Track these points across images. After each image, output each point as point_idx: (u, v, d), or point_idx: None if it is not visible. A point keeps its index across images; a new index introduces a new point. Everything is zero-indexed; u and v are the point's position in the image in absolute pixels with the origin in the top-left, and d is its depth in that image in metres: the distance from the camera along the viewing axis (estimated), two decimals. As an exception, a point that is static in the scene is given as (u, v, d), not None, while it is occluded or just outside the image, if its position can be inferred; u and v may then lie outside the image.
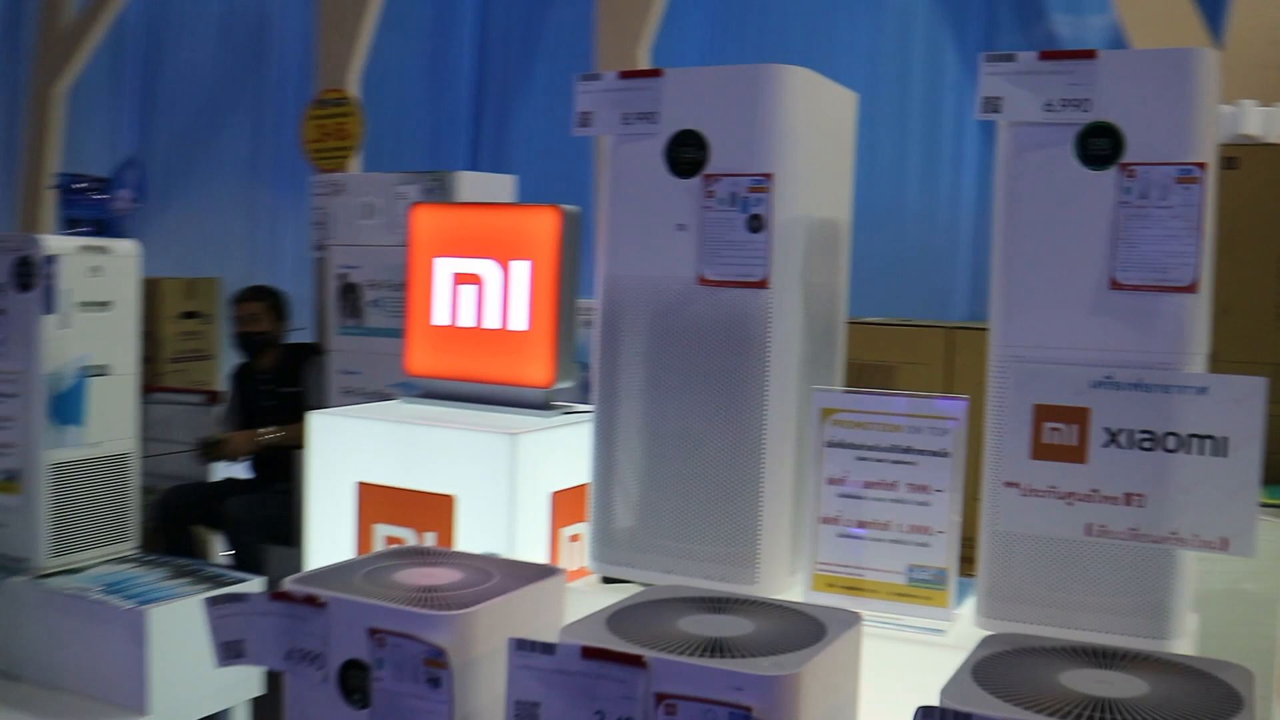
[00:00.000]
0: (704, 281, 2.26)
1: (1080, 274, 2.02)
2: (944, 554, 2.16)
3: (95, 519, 3.11)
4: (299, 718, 1.75)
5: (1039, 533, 2.05)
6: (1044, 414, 2.04)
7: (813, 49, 4.27)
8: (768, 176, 2.20)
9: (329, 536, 2.58)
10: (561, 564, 2.52)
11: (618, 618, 1.66)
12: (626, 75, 2.33)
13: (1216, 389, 1.94)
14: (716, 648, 1.54)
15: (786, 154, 2.22)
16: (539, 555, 2.46)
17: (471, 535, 2.40)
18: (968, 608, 2.17)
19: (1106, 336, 2.02)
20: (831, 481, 2.23)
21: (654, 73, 2.30)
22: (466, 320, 2.70)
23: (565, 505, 2.51)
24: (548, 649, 1.54)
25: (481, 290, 2.69)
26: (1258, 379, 1.91)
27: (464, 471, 2.41)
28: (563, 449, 2.52)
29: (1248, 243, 3.24)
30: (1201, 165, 1.95)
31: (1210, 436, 1.94)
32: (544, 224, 2.64)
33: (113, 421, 3.13)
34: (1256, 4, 3.42)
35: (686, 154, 2.27)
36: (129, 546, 3.20)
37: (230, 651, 1.77)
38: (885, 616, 2.16)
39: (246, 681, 3.08)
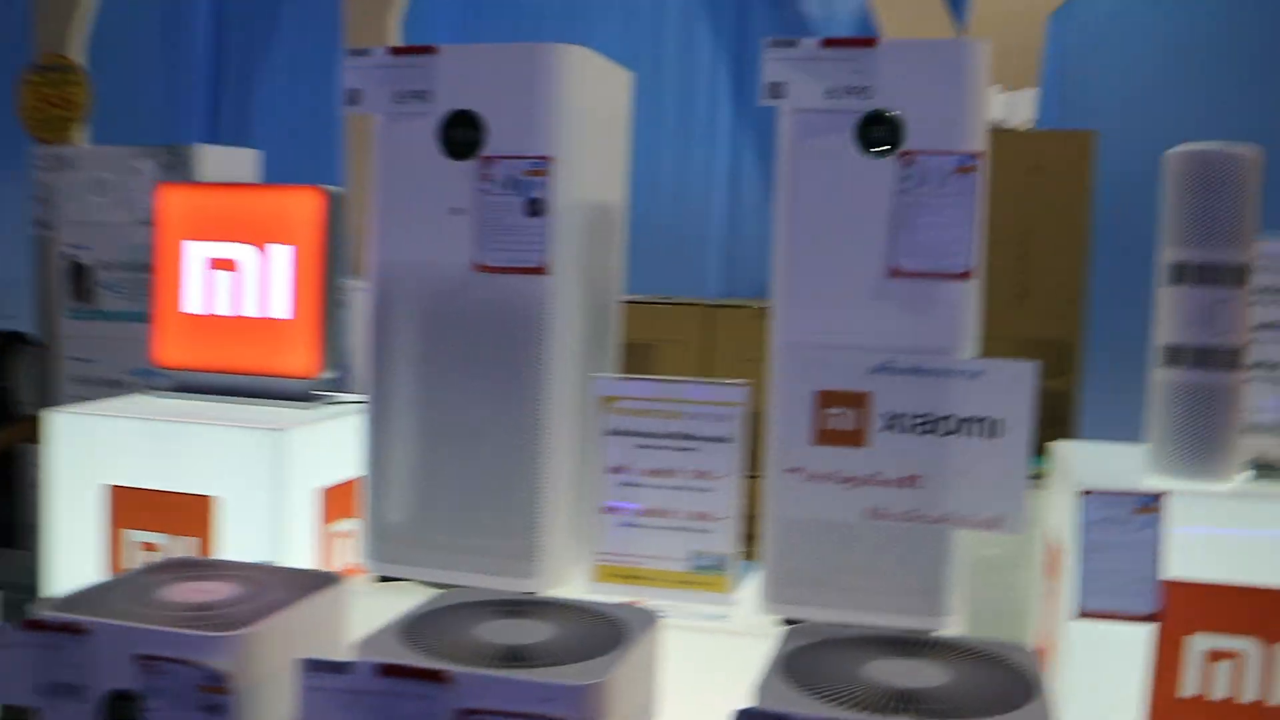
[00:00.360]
0: (480, 268, 2.18)
1: (861, 261, 2.05)
2: (726, 540, 2.16)
3: None
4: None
5: (821, 517, 2.07)
6: (825, 399, 2.06)
7: (568, 26, 4.21)
8: (547, 159, 2.14)
9: (71, 544, 2.38)
10: (332, 563, 2.41)
11: (411, 629, 1.58)
12: (398, 51, 2.22)
13: (990, 373, 1.99)
14: (518, 656, 1.48)
15: (566, 136, 2.16)
16: (306, 555, 2.33)
17: (234, 538, 2.26)
18: (749, 592, 2.18)
19: (886, 322, 2.05)
20: (612, 470, 2.20)
21: (427, 49, 2.20)
22: (222, 308, 2.54)
23: (334, 502, 2.40)
24: (341, 668, 1.45)
25: (238, 276, 2.53)
26: (1028, 363, 1.98)
27: (225, 471, 2.26)
28: (330, 443, 2.40)
29: (989, 224, 3.38)
30: (977, 155, 1.99)
31: (984, 419, 2.00)
32: (306, 206, 2.50)
33: None
34: (992, -2, 3.56)
35: (461, 135, 2.18)
36: None
37: (-26, 687, 1.60)
38: (669, 604, 2.15)
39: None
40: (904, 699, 1.40)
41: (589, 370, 2.30)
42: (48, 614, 1.58)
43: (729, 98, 3.96)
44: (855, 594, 2.10)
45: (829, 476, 2.06)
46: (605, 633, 1.58)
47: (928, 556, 2.07)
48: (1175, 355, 2.06)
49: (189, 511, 2.27)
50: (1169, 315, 2.06)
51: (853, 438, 2.06)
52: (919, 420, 2.03)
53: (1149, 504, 1.96)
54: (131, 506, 2.31)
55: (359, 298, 2.33)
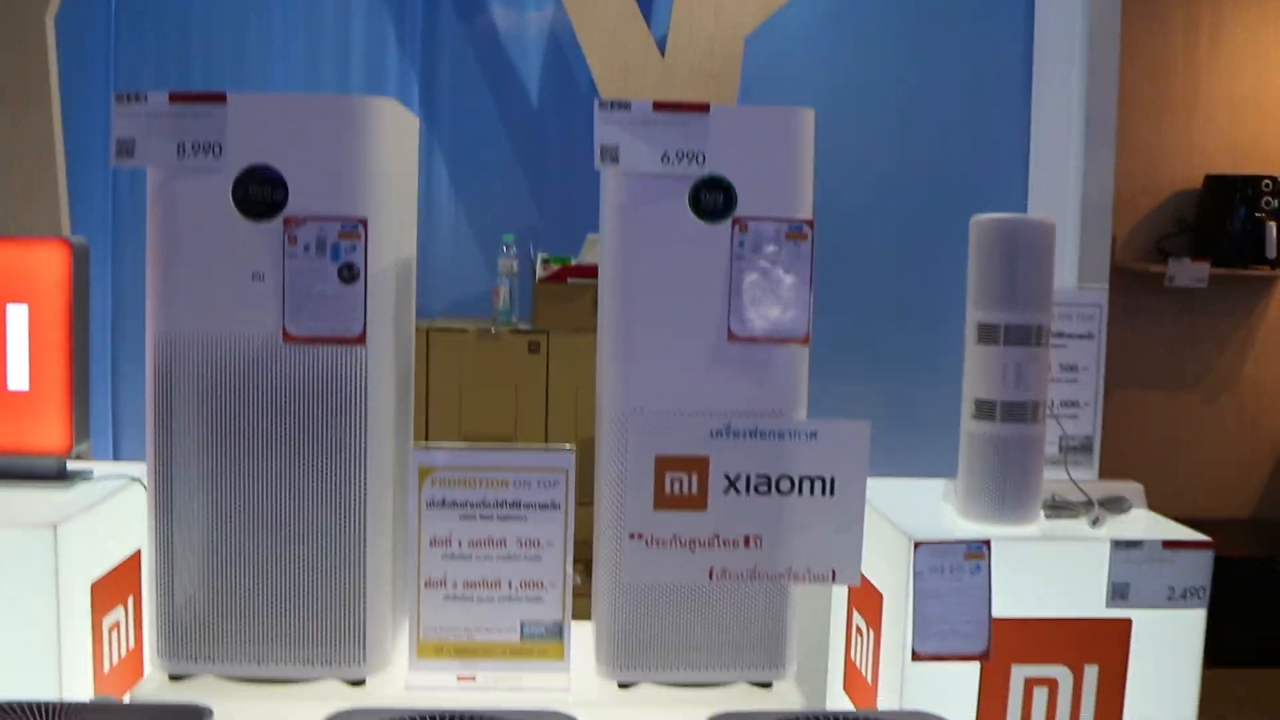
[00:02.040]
0: (290, 339, 2.00)
1: (698, 327, 2.03)
2: (557, 607, 2.11)
3: None
4: None
5: (664, 581, 2.06)
6: (665, 465, 2.04)
7: (245, 38, 3.90)
8: (362, 222, 1.99)
9: None
10: (105, 658, 2.17)
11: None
12: (180, 99, 1.99)
13: (825, 434, 2.03)
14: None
15: (378, 195, 2.02)
16: (82, 655, 2.08)
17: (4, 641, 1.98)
18: (580, 657, 2.14)
19: (724, 387, 2.05)
20: (434, 543, 2.09)
21: (215, 97, 1.98)
22: (-53, 380, 2.21)
23: (104, 593, 2.15)
24: None
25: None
26: (862, 423, 2.03)
27: (-9, 575, 1.97)
28: (102, 529, 2.15)
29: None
30: (809, 223, 2.02)
31: (820, 478, 2.04)
32: (48, 261, 2.21)
33: None
34: (690, 14, 3.58)
35: (260, 193, 1.99)
36: None
37: None
38: (503, 676, 2.08)
39: None
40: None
41: (402, 437, 2.17)
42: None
43: (420, 113, 3.81)
44: (695, 653, 2.10)
45: (671, 541, 2.05)
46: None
47: (768, 611, 2.10)
48: (983, 409, 2.18)
49: (-57, 625, 1.97)
50: (978, 371, 2.17)
51: (693, 502, 2.05)
52: (758, 481, 2.04)
53: (977, 550, 2.07)
54: None
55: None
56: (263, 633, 2.04)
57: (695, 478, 2.04)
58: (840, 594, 2.53)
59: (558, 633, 2.10)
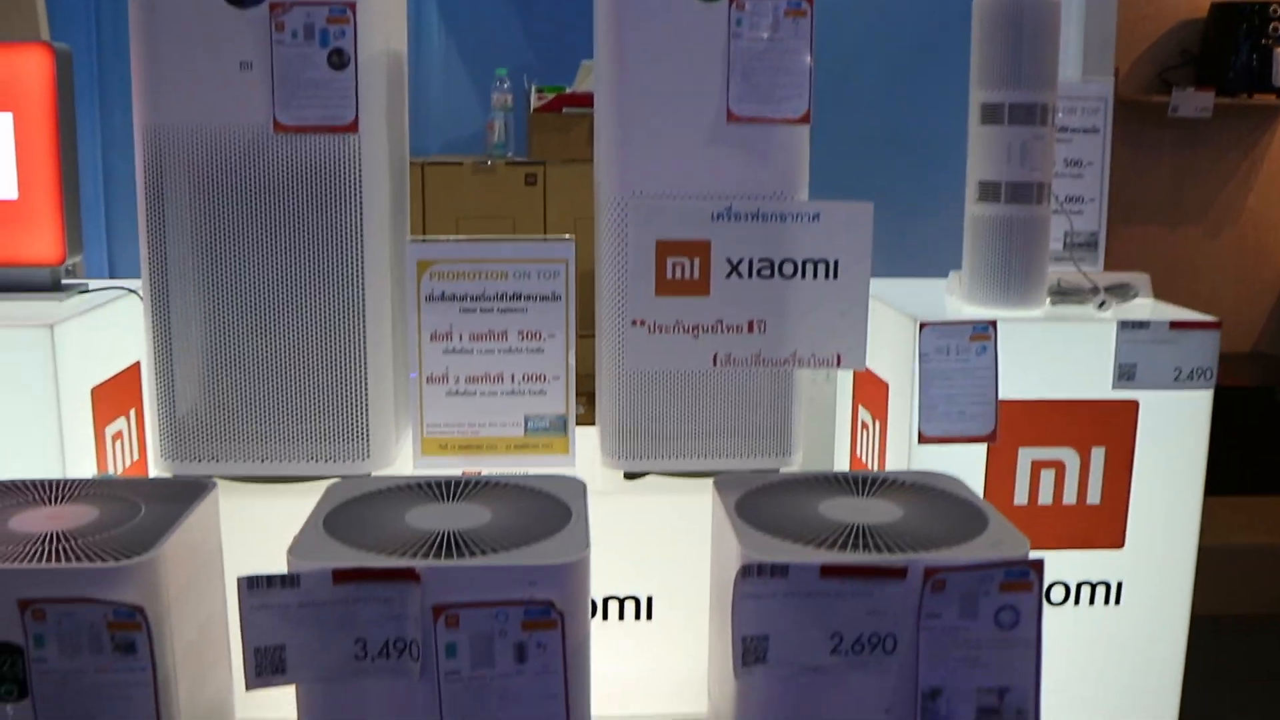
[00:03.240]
0: (280, 128, 1.96)
1: (697, 108, 1.99)
2: (561, 400, 2.10)
3: None
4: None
5: (668, 368, 2.05)
6: (666, 250, 2.01)
7: None
8: (350, 6, 1.94)
9: None
10: (109, 468, 2.16)
11: (335, 525, 1.43)
12: (150, -121, 1.92)
13: (827, 215, 2.00)
14: (474, 543, 1.37)
15: (365, -21, 1.96)
16: (86, 463, 2.08)
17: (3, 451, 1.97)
18: (585, 450, 2.13)
19: (724, 169, 2.01)
20: (435, 338, 2.07)
21: (194, -123, 1.92)
22: (-68, 190, 2.17)
23: (106, 401, 2.14)
24: (289, 581, 1.30)
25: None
26: (865, 204, 2.00)
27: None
28: (101, 336, 2.13)
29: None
30: (809, -3, 1.97)
31: (823, 260, 2.01)
32: (31, 66, 2.16)
33: None
34: None
35: (244, -22, 1.93)
36: None
37: None
38: (507, 471, 2.07)
39: None
40: (858, 533, 1.42)
41: (398, 232, 2.14)
42: (-111, 564, 1.32)
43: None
44: (700, 441, 2.10)
45: (674, 327, 2.03)
46: (549, 508, 1.49)
47: (773, 399, 2.09)
48: (988, 190, 2.14)
49: (-58, 428, 1.96)
50: (982, 153, 2.14)
51: (695, 287, 2.02)
52: (760, 265, 2.02)
53: (983, 331, 2.05)
54: None
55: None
56: (265, 432, 2.03)
57: (697, 262, 2.02)
58: (845, 393, 2.53)
59: (562, 426, 2.09)
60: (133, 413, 2.25)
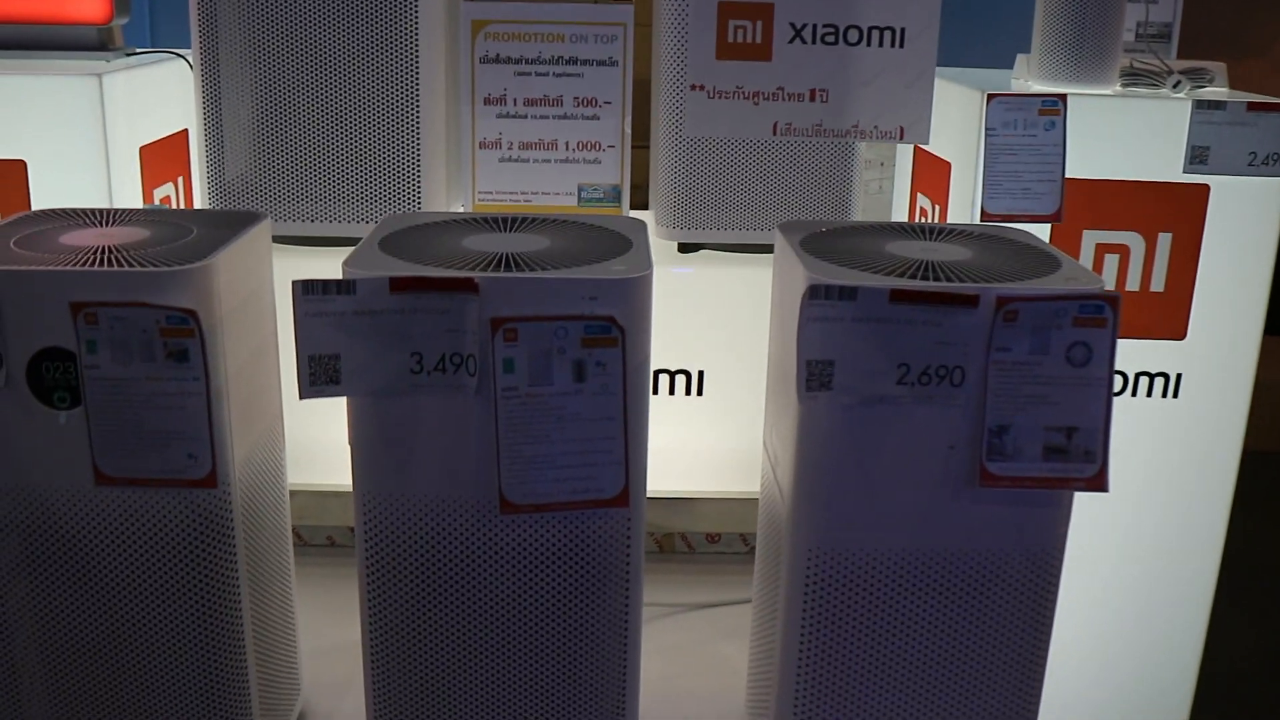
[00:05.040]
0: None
1: None
2: (616, 170, 2.05)
3: None
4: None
5: (728, 135, 1.98)
6: (728, 11, 1.94)
7: None
8: None
9: None
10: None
11: (391, 245, 1.40)
12: None
13: (896, -24, 1.92)
14: (530, 264, 1.34)
15: None
16: (133, 226, 2.05)
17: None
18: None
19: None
20: (488, 102, 2.02)
21: None
22: (-25, -58, 2.11)
23: (154, 161, 2.11)
24: (345, 287, 1.27)
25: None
26: (934, -34, 1.91)
27: (35, 129, 1.93)
28: (149, 94, 2.09)
29: None
30: None
31: (889, 28, 1.94)
32: None
33: None
34: None
35: None
36: None
37: None
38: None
39: None
40: (928, 268, 1.38)
41: (451, -5, 2.08)
42: (-60, 264, 1.30)
43: None
44: (756, 214, 2.05)
45: (734, 93, 1.96)
46: (607, 239, 1.45)
47: (833, 171, 2.04)
48: (1065, -43, 2.05)
49: (-7, 180, 1.93)
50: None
51: (757, 51, 1.95)
52: (825, 30, 1.94)
53: (1052, 105, 1.98)
54: (-88, 179, 1.95)
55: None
56: (315, 193, 2.00)
57: (759, 25, 1.94)
58: (903, 181, 2.47)
59: (616, 196, 2.05)
60: (180, 180, 2.22)
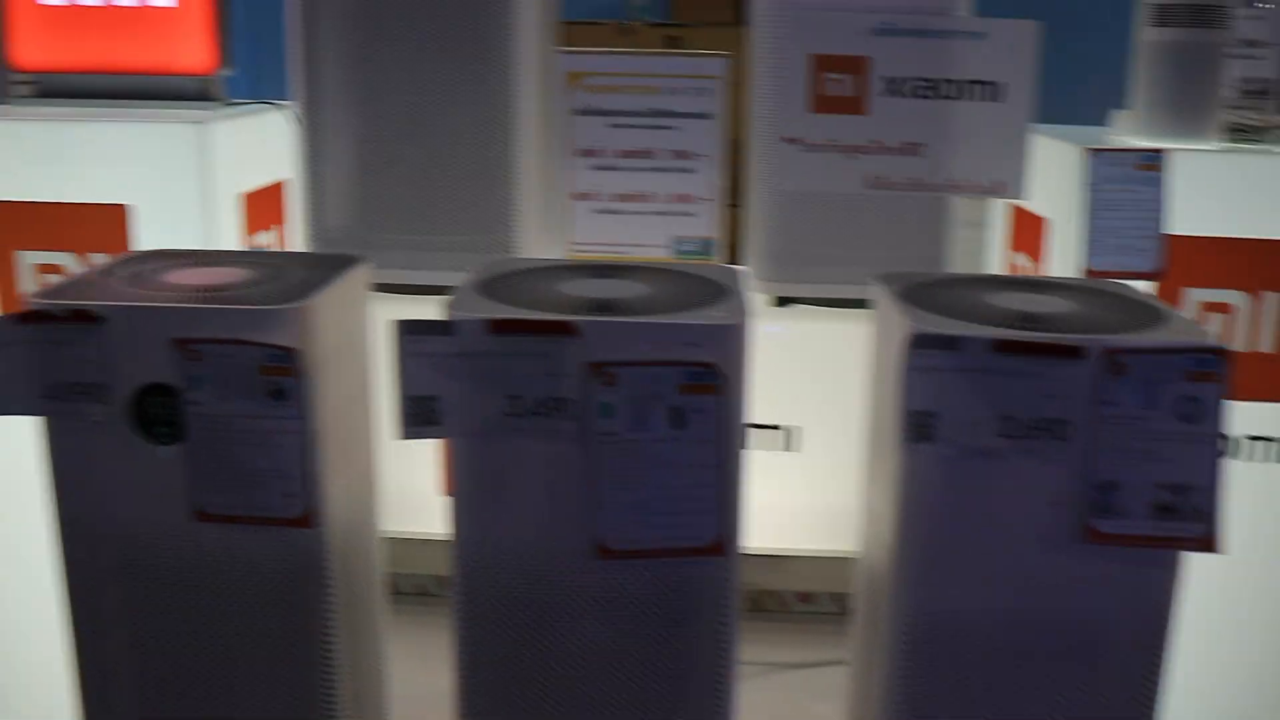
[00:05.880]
0: (431, -69, 1.92)
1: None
2: (709, 223, 2.05)
3: None
4: (73, 472, 1.37)
5: (821, 189, 1.98)
6: (822, 64, 1.94)
7: None
8: None
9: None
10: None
11: (491, 290, 1.40)
12: None
13: (993, 34, 1.91)
14: (629, 309, 1.33)
15: None
16: (231, 272, 2.08)
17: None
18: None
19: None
20: (583, 153, 2.03)
21: None
22: (88, -3, 2.17)
23: (255, 209, 2.14)
24: (446, 328, 1.27)
25: (106, -43, 2.16)
26: (1030, 22, 1.90)
27: (139, 175, 1.97)
28: (251, 143, 2.13)
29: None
30: None
31: (986, 82, 1.92)
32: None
33: None
34: None
35: None
36: None
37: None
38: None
39: None
40: (1030, 320, 1.35)
41: (547, 46, 2.09)
42: (51, 303, 1.32)
43: None
44: (851, 266, 2.03)
45: (827, 146, 1.96)
46: (701, 285, 1.44)
47: (928, 226, 2.02)
48: (1164, 13, 2.03)
49: (97, 224, 1.97)
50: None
51: (852, 104, 1.95)
52: (920, 84, 1.94)
53: (1151, 161, 1.95)
54: (21, 223, 1.99)
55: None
56: (414, 242, 2.01)
57: (854, 79, 1.94)
58: (996, 239, 2.43)
59: (709, 249, 2.05)
60: (279, 229, 2.25)
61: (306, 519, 1.34)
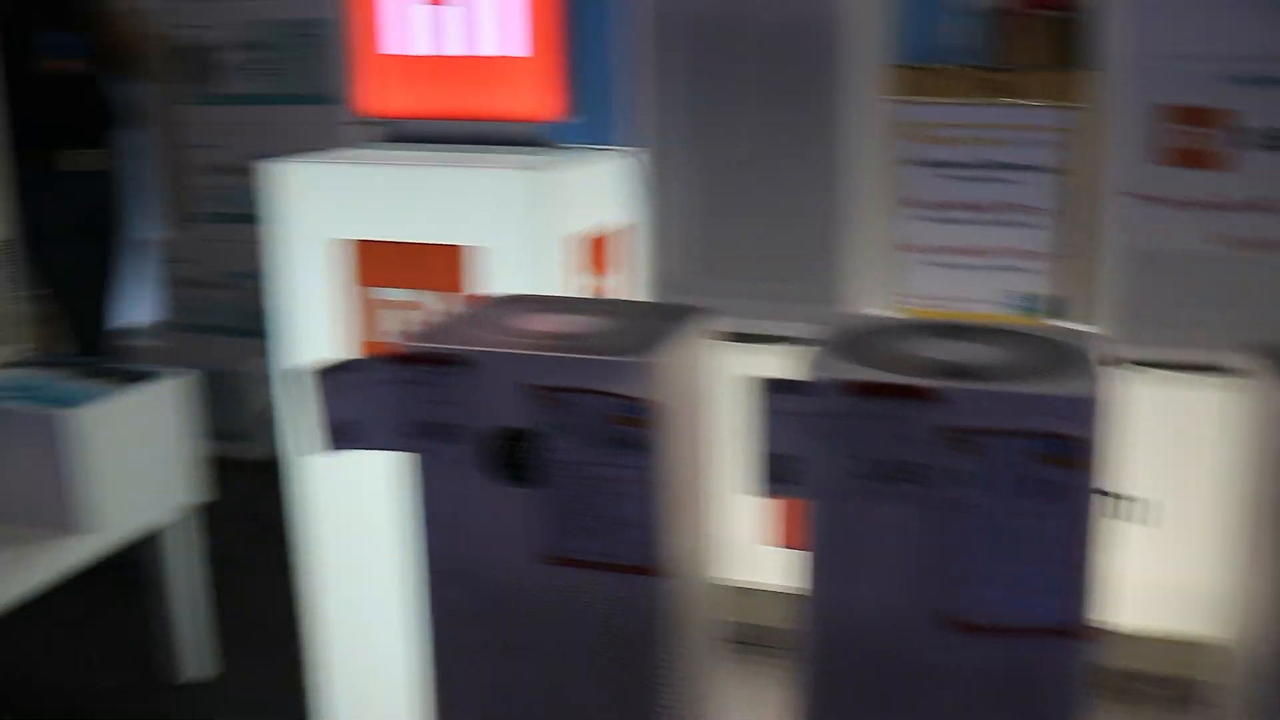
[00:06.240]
0: (771, -20, 1.93)
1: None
2: (1046, 279, 1.96)
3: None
4: (437, 506, 1.42)
5: (1180, 247, 1.86)
6: (1181, 116, 1.83)
7: None
8: None
9: (303, 303, 2.18)
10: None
11: (845, 348, 1.38)
12: None
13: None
14: (993, 373, 1.28)
15: None
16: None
17: (491, 291, 2.05)
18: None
19: (1247, 28, 1.80)
20: (912, 204, 1.98)
21: None
22: (437, 47, 2.28)
23: (593, 255, 2.19)
24: (809, 388, 1.25)
25: (458, 8, 2.26)
26: None
27: (479, 218, 2.04)
28: (588, 188, 2.18)
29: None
30: None
31: (1375, 130, 1.77)
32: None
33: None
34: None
35: None
36: (11, 350, 2.70)
37: (342, 435, 1.41)
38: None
39: (181, 490, 2.67)
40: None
41: (877, 94, 2.06)
42: (419, 345, 1.38)
43: None
44: (1211, 330, 1.90)
45: (1189, 203, 1.84)
46: (1051, 351, 1.38)
47: (1297, 288, 1.87)
48: None
49: (441, 264, 2.06)
50: None
51: (1213, 159, 1.83)
52: (1289, 137, 1.80)
53: None
54: (375, 262, 2.11)
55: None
56: (744, 290, 2.02)
57: (1214, 131, 1.82)
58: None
59: (1046, 307, 1.96)
60: (613, 273, 2.29)
61: (653, 567, 1.35)
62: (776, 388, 1.24)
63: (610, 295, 2.21)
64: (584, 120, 2.29)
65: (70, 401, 2.42)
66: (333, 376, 1.38)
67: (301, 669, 2.37)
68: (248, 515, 3.62)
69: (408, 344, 1.39)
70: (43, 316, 3.22)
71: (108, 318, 3.39)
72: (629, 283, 2.20)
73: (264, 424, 4.23)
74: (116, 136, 3.31)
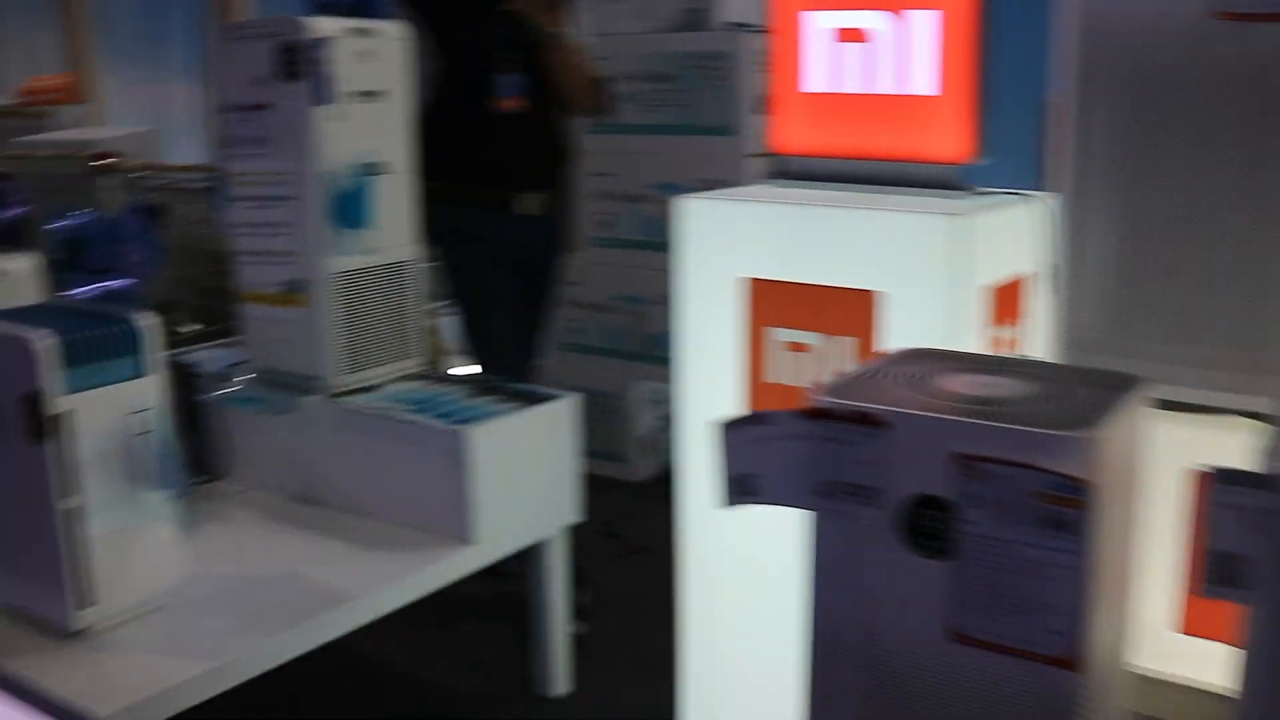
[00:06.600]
0: (1221, 15, 1.76)
1: None
2: None
3: (382, 333, 2.77)
4: (836, 568, 1.37)
5: None
6: None
7: None
8: None
9: (702, 337, 2.18)
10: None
11: None
12: None
13: None
14: None
15: None
16: (970, 363, 2.03)
17: (896, 339, 1.98)
18: None
19: None
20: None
21: None
22: (852, 85, 2.23)
23: (996, 304, 2.08)
24: (1267, 482, 1.12)
25: (872, 47, 2.21)
26: None
27: (891, 262, 1.98)
28: (999, 235, 2.08)
29: None
30: None
31: None
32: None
33: (392, 225, 2.76)
34: None
35: None
36: (414, 363, 2.86)
37: (743, 489, 1.38)
38: None
39: (562, 508, 2.75)
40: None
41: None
42: (834, 401, 1.33)
43: None
44: None
45: None
46: None
47: None
48: None
49: (846, 308, 2.01)
50: None
51: None
52: None
53: None
54: (776, 302, 2.08)
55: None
56: (1171, 354, 1.87)
57: None
58: None
59: None
60: (1018, 325, 2.18)
61: (1075, 660, 1.24)
62: (1229, 479, 1.12)
63: (1018, 349, 2.10)
64: (992, 163, 2.18)
65: (466, 417, 2.52)
66: (737, 430, 1.35)
67: (660, 695, 2.38)
68: (611, 534, 3.69)
69: (820, 398, 1.35)
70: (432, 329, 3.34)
71: (538, 353, 3.47)
72: (1033, 336, 2.08)
73: (646, 447, 4.33)
74: (564, 175, 3.42)
